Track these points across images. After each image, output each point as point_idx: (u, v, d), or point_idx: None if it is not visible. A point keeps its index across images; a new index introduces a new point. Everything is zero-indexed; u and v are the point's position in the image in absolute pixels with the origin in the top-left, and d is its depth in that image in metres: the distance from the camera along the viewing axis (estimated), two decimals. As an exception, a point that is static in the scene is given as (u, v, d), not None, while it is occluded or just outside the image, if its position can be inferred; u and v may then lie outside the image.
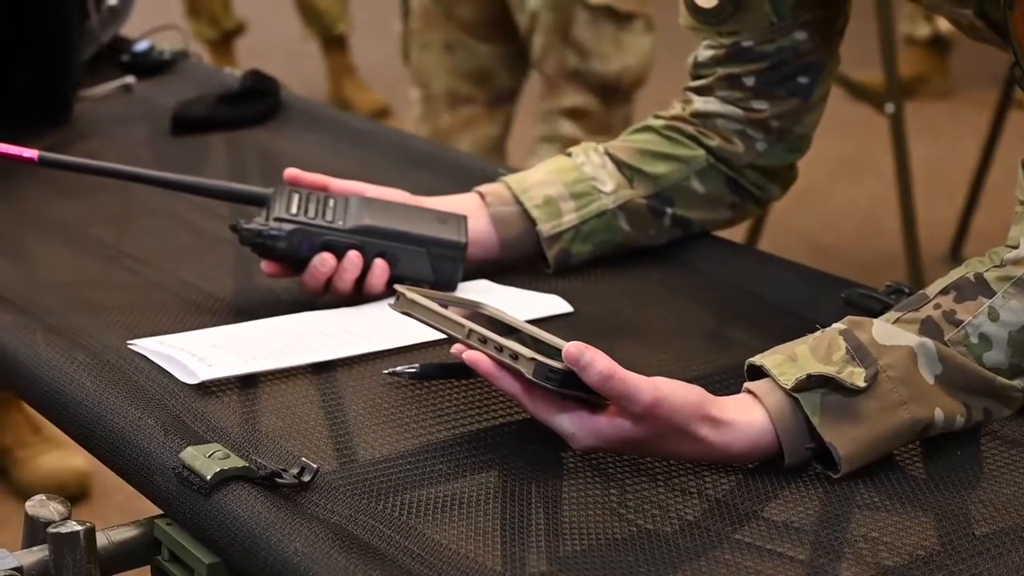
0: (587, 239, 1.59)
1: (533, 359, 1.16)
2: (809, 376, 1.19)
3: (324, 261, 1.48)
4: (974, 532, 1.09)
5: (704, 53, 1.61)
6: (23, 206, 1.80)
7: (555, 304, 1.51)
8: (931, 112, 4.64)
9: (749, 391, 1.21)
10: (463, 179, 1.73)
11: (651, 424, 1.16)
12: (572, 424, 1.17)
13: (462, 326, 1.23)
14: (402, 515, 1.12)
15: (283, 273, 1.51)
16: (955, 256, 3.91)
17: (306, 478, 1.14)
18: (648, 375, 1.16)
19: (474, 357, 1.20)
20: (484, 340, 1.20)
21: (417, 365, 1.32)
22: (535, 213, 1.57)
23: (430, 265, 1.51)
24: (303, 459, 1.15)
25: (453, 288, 1.52)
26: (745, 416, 1.19)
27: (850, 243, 4.11)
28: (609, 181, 1.60)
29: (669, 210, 1.62)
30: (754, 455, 1.19)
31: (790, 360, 1.21)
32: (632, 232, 1.61)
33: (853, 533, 1.09)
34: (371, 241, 1.49)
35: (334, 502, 1.13)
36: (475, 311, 1.34)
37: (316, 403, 1.30)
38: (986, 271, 1.26)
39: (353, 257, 1.49)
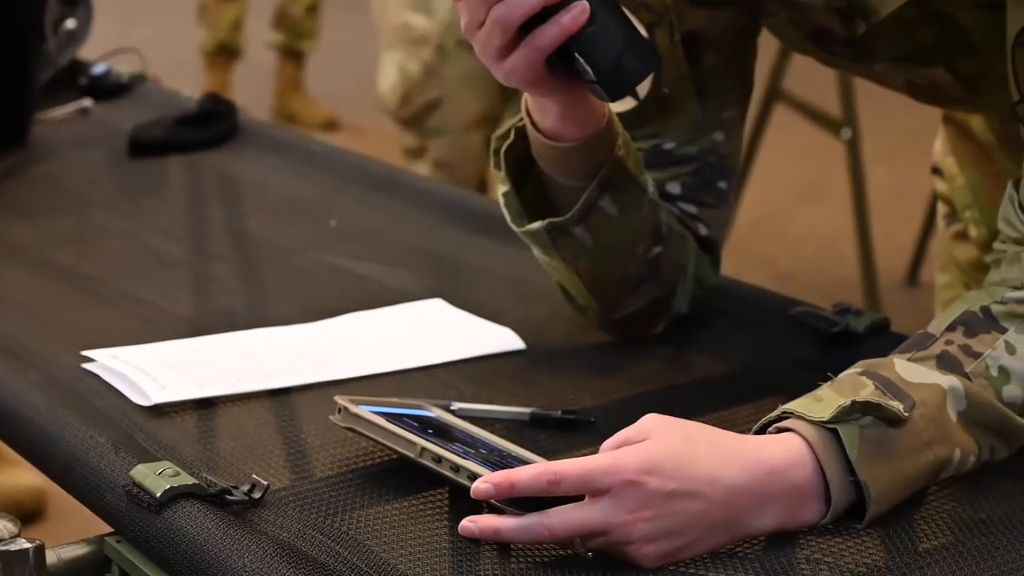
0: (624, 193, 1.36)
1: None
2: (853, 403, 1.10)
3: None
4: (917, 549, 1.10)
5: None
6: (-21, 228, 1.80)
7: (508, 340, 1.45)
8: (889, 138, 4.67)
9: (777, 430, 1.12)
10: (423, 203, 1.74)
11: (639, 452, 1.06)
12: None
13: (413, 444, 1.15)
14: (351, 532, 1.12)
15: None
16: (912, 281, 3.94)
17: (256, 495, 1.14)
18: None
19: (471, 532, 1.09)
20: (438, 459, 1.14)
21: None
22: (619, 129, 1.36)
23: (618, 53, 1.22)
24: (254, 476, 1.15)
25: (621, 96, 1.27)
26: (779, 444, 1.10)
27: (809, 268, 4.13)
28: (650, 182, 1.41)
29: (658, 248, 1.42)
30: (788, 486, 1.09)
31: (815, 400, 1.13)
32: (636, 232, 1.39)
33: (797, 556, 1.09)
34: None
35: (284, 518, 1.13)
36: (425, 417, 1.24)
37: (269, 424, 1.30)
38: (991, 305, 1.20)
39: None
